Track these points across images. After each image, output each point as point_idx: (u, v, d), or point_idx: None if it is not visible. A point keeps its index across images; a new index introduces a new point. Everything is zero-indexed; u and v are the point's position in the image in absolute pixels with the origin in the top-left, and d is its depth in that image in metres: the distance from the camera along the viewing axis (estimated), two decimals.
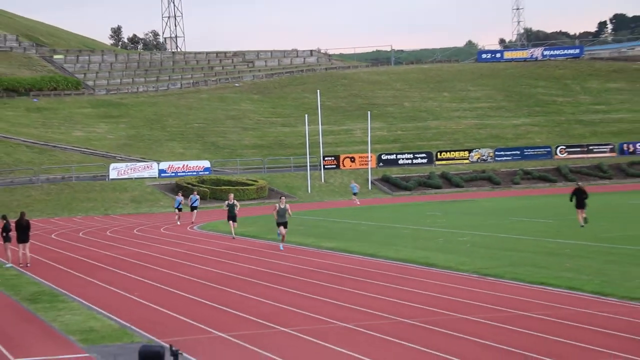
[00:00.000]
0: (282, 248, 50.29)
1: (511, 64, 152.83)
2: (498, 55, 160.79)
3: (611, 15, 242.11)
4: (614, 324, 25.80)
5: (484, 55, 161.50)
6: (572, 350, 22.57)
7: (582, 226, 56.07)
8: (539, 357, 21.94)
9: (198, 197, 79.68)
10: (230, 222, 59.51)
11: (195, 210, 77.28)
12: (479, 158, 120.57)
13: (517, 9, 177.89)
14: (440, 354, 22.60)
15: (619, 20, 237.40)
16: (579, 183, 67.81)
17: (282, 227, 50.38)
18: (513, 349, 22.91)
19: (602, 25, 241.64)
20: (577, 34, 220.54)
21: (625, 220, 59.89)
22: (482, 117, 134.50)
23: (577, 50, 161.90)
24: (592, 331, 24.92)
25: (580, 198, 58.51)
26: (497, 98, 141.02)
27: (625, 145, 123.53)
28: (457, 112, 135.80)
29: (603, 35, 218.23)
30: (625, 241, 46.71)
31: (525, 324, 26.21)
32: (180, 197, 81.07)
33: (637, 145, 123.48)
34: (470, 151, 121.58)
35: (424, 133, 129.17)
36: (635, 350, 22.27)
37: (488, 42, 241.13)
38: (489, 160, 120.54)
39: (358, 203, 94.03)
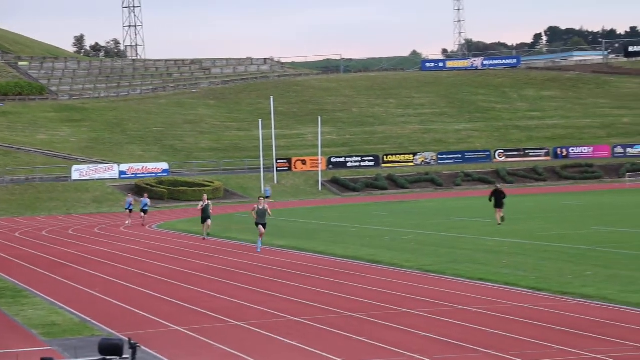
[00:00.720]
0: (259, 250, 47.12)
1: (453, 73, 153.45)
2: (441, 64, 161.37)
3: (546, 28, 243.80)
4: (548, 317, 25.92)
5: (427, 65, 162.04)
6: (508, 341, 22.65)
7: (499, 224, 57.08)
8: (476, 348, 22.01)
9: (148, 200, 76.51)
10: (205, 223, 56.67)
11: (145, 214, 73.78)
12: (422, 161, 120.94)
13: (459, 21, 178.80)
14: (386, 346, 22.63)
15: (553, 33, 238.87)
16: (497, 185, 68.82)
17: (261, 227, 47.63)
18: (453, 341, 22.97)
19: (537, 37, 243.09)
20: (515, 45, 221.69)
21: (559, 220, 60.30)
22: (426, 122, 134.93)
23: (515, 60, 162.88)
24: (527, 324, 25.01)
25: (498, 198, 59.67)
26: (440, 105, 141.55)
27: (558, 150, 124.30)
28: (402, 118, 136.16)
29: (538, 47, 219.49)
30: (559, 239, 47.00)
31: (465, 318, 26.29)
32: (130, 199, 78.72)
33: (570, 149, 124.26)
34: (414, 154, 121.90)
35: (371, 137, 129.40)
36: (567, 341, 22.38)
37: (432, 52, 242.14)
38: (432, 163, 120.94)
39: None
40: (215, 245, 52.82)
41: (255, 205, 48.04)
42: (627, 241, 44.73)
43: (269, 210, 47.45)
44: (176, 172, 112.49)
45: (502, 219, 57.88)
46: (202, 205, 56.82)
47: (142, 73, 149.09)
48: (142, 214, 73.62)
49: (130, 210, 76.17)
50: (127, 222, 73.97)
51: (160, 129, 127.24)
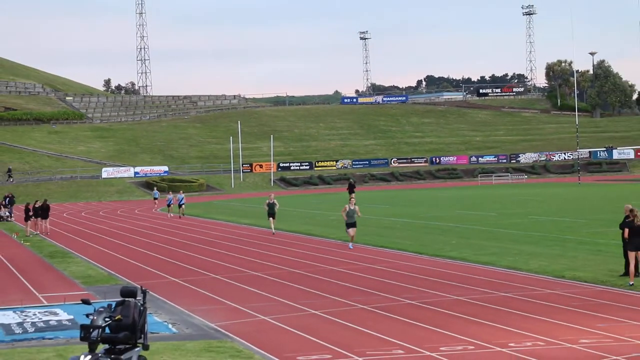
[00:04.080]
0: (351, 247, 33.77)
1: (363, 106, 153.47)
2: (354, 100, 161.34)
3: (425, 76, 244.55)
4: (426, 272, 26.10)
5: (345, 100, 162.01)
6: (398, 288, 22.79)
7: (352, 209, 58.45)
8: (378, 292, 22.11)
9: (183, 195, 61.82)
10: (271, 219, 42.56)
11: (181, 207, 59.81)
12: (342, 166, 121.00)
13: (367, 71, 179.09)
14: (317, 292, 22.69)
15: (430, 79, 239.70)
16: (351, 179, 74.08)
17: (351, 229, 34.01)
18: (363, 288, 23.08)
19: (419, 82, 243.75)
20: (404, 87, 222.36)
21: (434, 206, 60.66)
22: (345, 139, 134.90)
23: (404, 98, 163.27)
24: (412, 276, 25.18)
25: (351, 189, 66.47)
26: (354, 127, 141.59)
27: (434, 159, 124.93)
28: (328, 136, 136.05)
29: (420, 88, 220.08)
30: (435, 219, 47.28)
31: (371, 272, 26.41)
32: (171, 196, 63.34)
33: (441, 158, 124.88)
34: (337, 161, 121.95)
35: (307, 149, 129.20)
36: (439, 288, 22.55)
37: (348, 91, 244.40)
38: (348, 167, 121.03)
39: (155, 207, 73.46)
40: (201, 224, 52.57)
41: (347, 206, 34.43)
42: (478, 220, 45.13)
43: (358, 211, 34.30)
44: (173, 173, 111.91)
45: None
46: (268, 204, 43.18)
47: (150, 105, 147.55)
48: (179, 207, 59.71)
49: (169, 205, 61.65)
50: (169, 215, 60.30)
51: (163, 143, 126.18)
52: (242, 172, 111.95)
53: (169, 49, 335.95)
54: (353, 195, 33.33)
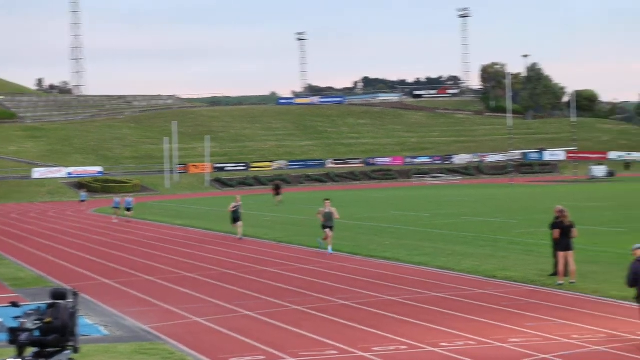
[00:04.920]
0: (330, 251, 31.38)
1: (299, 107, 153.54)
2: (291, 101, 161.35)
3: (361, 77, 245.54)
4: (360, 272, 26.23)
5: (282, 101, 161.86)
6: (333, 289, 22.86)
7: (280, 202, 65.51)
8: (312, 293, 22.16)
9: (132, 199, 58.48)
10: (238, 222, 38.65)
11: (129, 211, 55.44)
12: (278, 167, 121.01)
13: (303, 72, 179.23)
14: (250, 293, 22.66)
15: (366, 80, 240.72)
16: (277, 181, 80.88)
17: (328, 230, 31.99)
18: (296, 289, 23.11)
19: (356, 83, 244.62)
20: (341, 88, 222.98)
21: (369, 207, 60.98)
22: (280, 140, 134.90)
23: (341, 99, 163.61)
24: (346, 277, 25.27)
25: (276, 189, 69.86)
26: (290, 128, 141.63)
27: (369, 160, 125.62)
28: (264, 137, 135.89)
29: (356, 89, 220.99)
30: (370, 220, 47.52)
31: (304, 273, 26.46)
32: (118, 199, 58.10)
33: (377, 159, 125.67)
34: (272, 162, 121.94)
35: (243, 150, 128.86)
36: (372, 288, 22.67)
37: (285, 92, 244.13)
38: (284, 168, 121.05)
39: (83, 209, 71.79)
40: (134, 224, 52.07)
41: (322, 209, 32.69)
42: (412, 221, 45.49)
43: (336, 214, 32.53)
44: (107, 173, 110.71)
45: (280, 202, 66.37)
46: (233, 207, 39.15)
47: (83, 105, 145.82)
48: (127, 212, 55.52)
49: (117, 208, 56.71)
50: (114, 219, 55.69)
51: (96, 143, 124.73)
52: (177, 172, 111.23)
53: (104, 48, 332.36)
54: (328, 201, 32.37)
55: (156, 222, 52.62)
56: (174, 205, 73.78)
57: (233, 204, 39.00)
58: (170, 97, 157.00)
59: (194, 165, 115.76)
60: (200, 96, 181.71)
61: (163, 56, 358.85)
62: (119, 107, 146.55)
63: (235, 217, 38.51)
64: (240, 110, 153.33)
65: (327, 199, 33.56)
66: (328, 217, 32.11)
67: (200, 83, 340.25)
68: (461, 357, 14.59)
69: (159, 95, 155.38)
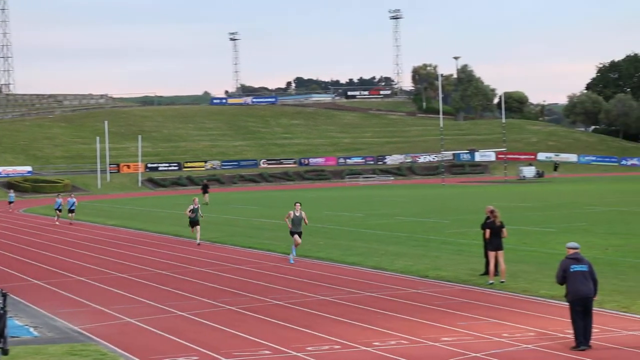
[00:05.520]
0: (292, 261, 28.49)
1: (232, 107, 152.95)
2: (224, 100, 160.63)
3: (294, 77, 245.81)
4: (294, 272, 26.26)
5: (215, 101, 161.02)
6: (267, 289, 22.85)
7: (206, 203, 63.85)
8: (245, 293, 22.12)
9: (75, 199, 54.75)
10: (196, 227, 36.01)
11: (72, 213, 52.38)
12: (211, 167, 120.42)
13: (236, 72, 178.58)
14: (183, 293, 22.53)
15: (299, 81, 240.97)
16: (205, 180, 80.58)
17: (296, 236, 29.22)
18: (230, 289, 23.05)
19: (289, 83, 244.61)
20: (274, 88, 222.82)
21: (304, 207, 60.88)
22: (214, 140, 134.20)
23: (274, 99, 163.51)
24: (280, 277, 25.29)
25: (204, 189, 69.69)
26: (223, 128, 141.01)
27: (302, 160, 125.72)
28: (197, 137, 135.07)
29: (289, 90, 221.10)
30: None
31: (238, 273, 26.40)
32: (60, 199, 54.05)
33: (310, 159, 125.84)
34: (205, 162, 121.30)
35: (176, 150, 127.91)
36: (307, 288, 22.72)
37: (218, 92, 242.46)
38: (218, 168, 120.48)
39: (10, 210, 67.87)
40: (65, 225, 51.28)
41: (291, 212, 29.74)
42: (346, 221, 45.65)
43: (305, 218, 30.00)
44: (37, 173, 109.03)
45: (207, 203, 64.54)
46: (191, 210, 36.40)
47: (12, 103, 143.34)
48: (70, 213, 52.40)
49: (60, 210, 53.14)
50: (56, 221, 52.46)
51: (26, 143, 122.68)
52: (109, 172, 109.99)
53: (34, 46, 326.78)
54: (298, 204, 30.20)
55: (88, 223, 51.95)
56: (106, 206, 72.95)
57: (190, 207, 36.27)
58: (102, 96, 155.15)
59: (126, 165, 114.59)
60: (132, 95, 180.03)
61: (95, 55, 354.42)
62: (50, 106, 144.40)
63: (194, 221, 35.85)
64: (173, 110, 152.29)
65: (297, 202, 30.32)
66: (297, 222, 29.30)
67: (133, 82, 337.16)
68: (394, 357, 14.70)
69: (90, 95, 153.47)
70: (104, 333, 17.39)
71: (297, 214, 29.40)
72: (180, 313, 19.47)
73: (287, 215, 29.72)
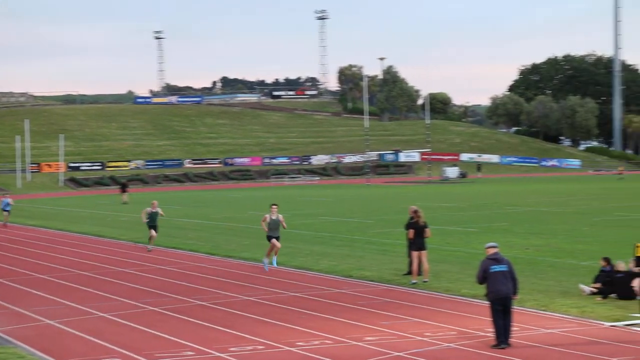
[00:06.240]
0: (267, 269, 26.20)
1: (157, 106, 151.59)
2: (149, 100, 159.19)
3: (220, 77, 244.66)
4: (218, 273, 26.12)
5: (139, 100, 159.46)
6: (190, 290, 22.68)
7: (126, 203, 65.97)
8: (168, 294, 21.93)
9: (10, 200, 51.93)
10: (152, 231, 33.24)
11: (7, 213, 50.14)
12: (135, 166, 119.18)
13: (161, 70, 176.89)
14: (106, 294, 22.24)
15: (225, 80, 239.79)
16: (124, 180, 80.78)
17: (274, 241, 26.55)
18: (152, 289, 22.83)
19: (214, 82, 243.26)
20: (199, 88, 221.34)
21: (227, 207, 60.79)
22: (138, 139, 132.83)
23: (199, 99, 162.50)
24: (204, 277, 25.13)
25: (123, 188, 70.57)
26: (147, 128, 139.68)
27: (228, 160, 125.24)
28: (121, 136, 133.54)
29: (215, 89, 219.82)
30: (227, 220, 47.40)
31: (161, 274, 26.16)
32: (7, 199, 51.49)
33: (235, 159, 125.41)
34: (129, 161, 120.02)
35: (99, 149, 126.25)
36: (229, 289, 22.63)
37: (142, 91, 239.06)
38: (142, 167, 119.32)
39: None
40: (11, 228, 50.15)
41: (267, 215, 26.82)
42: None
43: (283, 222, 27.05)
44: None
45: (126, 202, 66.18)
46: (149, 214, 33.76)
47: None
48: (4, 213, 50.21)
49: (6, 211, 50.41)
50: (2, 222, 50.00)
51: None
52: (30, 172, 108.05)
53: None
54: (275, 206, 27.07)
55: (16, 224, 50.83)
56: (26, 205, 71.57)
57: (148, 210, 33.67)
58: (22, 94, 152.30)
59: (47, 165, 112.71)
60: (54, 94, 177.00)
61: (15, 53, 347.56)
62: None
63: (152, 226, 33.12)
64: (96, 108, 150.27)
65: (274, 204, 27.03)
66: (274, 225, 26.61)
67: (55, 81, 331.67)
68: (317, 356, 14.72)
69: (10, 93, 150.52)
70: (23, 335, 17.05)
71: (274, 217, 26.60)
72: (102, 314, 19.20)
73: (262, 219, 27.04)
